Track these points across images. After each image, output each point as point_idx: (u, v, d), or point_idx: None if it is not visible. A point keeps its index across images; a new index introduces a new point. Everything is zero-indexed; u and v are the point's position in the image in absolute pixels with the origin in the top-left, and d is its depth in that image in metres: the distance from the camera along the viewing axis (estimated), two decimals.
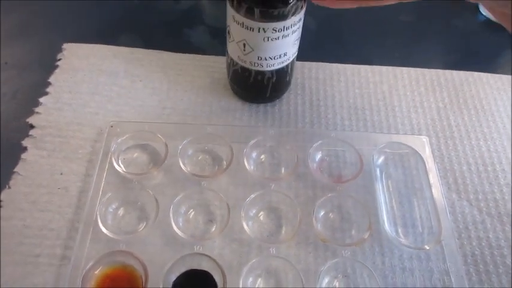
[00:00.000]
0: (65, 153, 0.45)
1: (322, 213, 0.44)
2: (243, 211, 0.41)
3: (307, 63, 0.55)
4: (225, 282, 0.39)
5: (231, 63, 0.48)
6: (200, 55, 0.56)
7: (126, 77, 0.53)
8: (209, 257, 0.40)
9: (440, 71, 0.57)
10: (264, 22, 0.41)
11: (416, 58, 0.61)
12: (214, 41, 0.59)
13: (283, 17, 0.41)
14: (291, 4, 0.40)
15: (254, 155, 0.46)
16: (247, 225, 0.42)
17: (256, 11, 0.40)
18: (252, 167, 0.45)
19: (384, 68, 0.57)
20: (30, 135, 0.47)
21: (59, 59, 0.54)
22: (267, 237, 0.41)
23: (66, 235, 0.40)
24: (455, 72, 0.57)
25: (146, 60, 0.55)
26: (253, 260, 0.39)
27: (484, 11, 0.68)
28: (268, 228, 0.42)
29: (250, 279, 0.39)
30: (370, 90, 0.55)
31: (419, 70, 0.57)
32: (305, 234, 0.42)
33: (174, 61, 0.55)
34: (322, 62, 0.57)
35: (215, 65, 0.55)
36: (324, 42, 0.58)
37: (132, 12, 0.65)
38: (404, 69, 0.57)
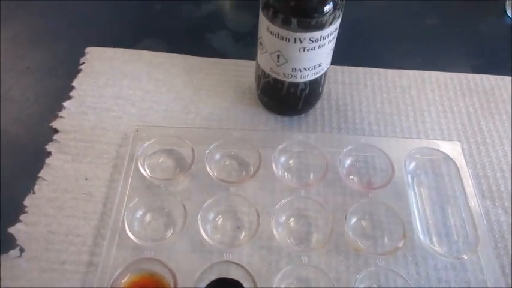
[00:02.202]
0: (90, 158, 0.45)
1: (353, 220, 0.43)
2: (272, 217, 0.40)
3: (332, 67, 0.52)
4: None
5: (262, 75, 0.47)
6: (224, 59, 0.55)
7: (149, 81, 0.53)
8: (239, 265, 0.39)
9: (469, 75, 0.56)
10: (301, 32, 0.40)
11: (444, 62, 0.60)
12: (237, 45, 0.58)
13: (320, 26, 0.40)
14: (329, 13, 0.39)
15: (282, 160, 0.45)
16: (277, 232, 0.40)
17: (294, 21, 0.39)
18: (280, 173, 0.44)
19: (412, 72, 0.56)
20: (54, 139, 0.46)
21: (82, 63, 0.54)
22: (296, 245, 0.40)
23: (92, 242, 0.39)
24: (484, 77, 0.55)
25: (169, 64, 0.54)
26: (285, 269, 0.38)
27: (511, 13, 0.66)
28: (298, 236, 0.41)
29: None
30: (397, 94, 0.54)
31: (447, 74, 0.56)
32: (336, 242, 0.40)
33: (198, 65, 0.54)
34: (348, 66, 0.56)
35: (240, 69, 0.54)
36: (349, 46, 0.56)
37: (155, 17, 0.64)
38: (433, 73, 0.56)
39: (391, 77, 0.55)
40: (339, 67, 0.56)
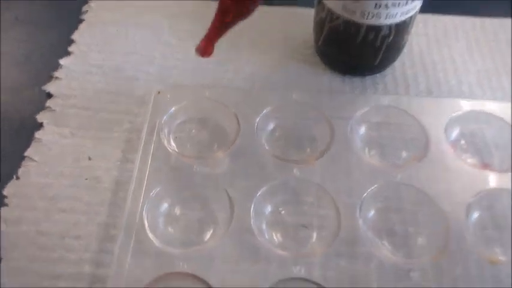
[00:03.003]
0: (94, 132, 0.37)
1: (476, 215, 0.31)
2: (358, 210, 0.31)
3: None
4: None
5: (328, 18, 0.37)
6: (268, 6, 0.44)
7: (172, 33, 0.44)
8: (310, 281, 0.29)
9: None
10: None
11: None
12: None
13: None
14: None
15: (362, 131, 0.36)
16: (366, 232, 0.30)
17: None
18: (361, 149, 0.35)
19: None
20: (48, 107, 0.38)
21: (85, 11, 0.45)
22: (398, 253, 0.30)
23: (98, 247, 0.31)
24: None
25: (197, 13, 0.44)
26: None
27: None
28: (397, 240, 0.31)
29: None
30: (502, 48, 0.43)
31: None
32: (456, 249, 0.30)
33: None
34: (433, 14, 0.46)
35: (289, 19, 0.45)
36: None
37: None
38: None
39: (490, 27, 0.45)
40: (421, 16, 0.44)
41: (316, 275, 0.29)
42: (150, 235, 0.30)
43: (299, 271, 0.28)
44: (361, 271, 0.29)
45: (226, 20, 0.28)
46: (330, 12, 0.36)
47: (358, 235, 0.30)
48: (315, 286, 0.28)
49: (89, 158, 0.35)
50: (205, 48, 0.29)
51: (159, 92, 0.37)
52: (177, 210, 0.32)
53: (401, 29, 0.37)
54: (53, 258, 0.30)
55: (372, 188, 0.32)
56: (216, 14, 0.29)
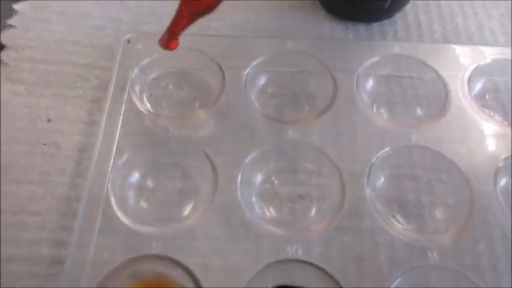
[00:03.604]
0: (55, 89, 0.33)
1: (504, 182, 0.28)
2: (365, 178, 0.27)
3: None
4: None
5: None
6: None
7: None
8: (311, 264, 0.25)
9: None
10: None
11: None
12: None
13: None
14: None
15: (369, 85, 0.32)
16: (373, 203, 0.26)
17: None
18: (368, 107, 0.31)
19: None
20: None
21: None
22: (414, 230, 0.27)
23: (58, 224, 0.28)
24: None
25: None
26: (398, 273, 0.24)
27: None
28: (413, 212, 0.27)
29: None
30: None
31: None
32: (480, 223, 0.26)
33: None
34: None
35: None
36: None
37: None
38: None
39: None
40: None
41: (315, 254, 0.25)
42: (118, 211, 0.26)
43: (295, 252, 0.25)
44: (369, 249, 0.26)
45: (191, 10, 0.26)
46: None
47: (365, 207, 0.27)
48: (314, 269, 0.25)
49: (48, 120, 0.32)
50: (168, 41, 0.27)
51: (128, 41, 0.33)
52: (151, 182, 0.29)
53: None
54: (4, 239, 0.27)
55: (382, 152, 0.28)
56: (180, 5, 0.26)
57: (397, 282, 0.23)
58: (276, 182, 0.28)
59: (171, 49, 0.27)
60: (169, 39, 0.27)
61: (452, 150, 0.28)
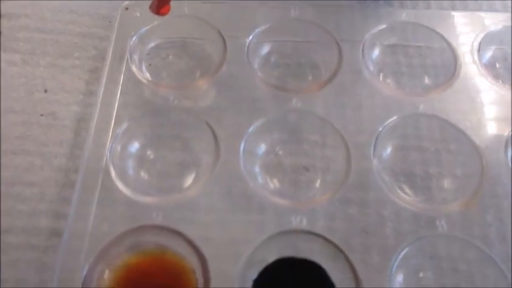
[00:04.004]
0: (51, 59, 0.33)
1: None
2: (372, 149, 0.26)
3: None
4: (359, 283, 0.22)
5: None
6: None
7: None
8: (315, 234, 0.24)
9: None
10: None
11: None
12: None
13: None
14: None
15: (375, 55, 0.31)
16: (379, 174, 0.26)
17: None
18: (374, 76, 0.30)
19: None
20: None
21: None
22: (422, 201, 0.26)
23: (56, 195, 0.27)
24: None
25: None
26: (404, 243, 0.23)
27: None
28: (422, 183, 0.27)
29: (401, 276, 0.23)
30: None
31: None
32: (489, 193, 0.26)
33: None
34: None
35: None
36: None
37: None
38: None
39: None
40: None
41: (320, 226, 0.25)
42: (118, 181, 0.26)
43: (299, 222, 0.24)
44: (375, 220, 0.25)
45: None
46: None
47: (371, 178, 0.26)
48: (319, 239, 0.24)
49: (45, 91, 0.31)
50: (158, 7, 0.26)
51: (126, 8, 0.33)
52: (151, 153, 0.28)
53: None
54: (1, 210, 0.26)
55: (388, 121, 0.28)
56: None
57: (404, 252, 0.23)
58: (280, 153, 0.28)
59: (162, 15, 0.26)
60: (160, 4, 0.26)
61: (462, 119, 0.28)
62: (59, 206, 0.27)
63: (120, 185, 0.25)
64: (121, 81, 0.30)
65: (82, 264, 0.24)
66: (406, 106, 0.28)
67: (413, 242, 0.23)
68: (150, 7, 0.26)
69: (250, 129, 0.27)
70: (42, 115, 0.30)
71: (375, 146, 0.26)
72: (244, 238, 0.24)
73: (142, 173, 0.27)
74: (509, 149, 0.26)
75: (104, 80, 0.30)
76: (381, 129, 0.27)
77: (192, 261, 0.24)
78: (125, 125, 0.28)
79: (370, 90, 0.29)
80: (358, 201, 0.26)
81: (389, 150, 0.27)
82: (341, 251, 0.23)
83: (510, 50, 0.31)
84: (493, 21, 0.32)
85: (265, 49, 0.31)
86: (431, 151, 0.28)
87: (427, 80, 0.30)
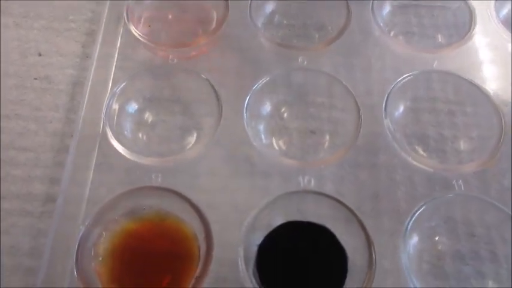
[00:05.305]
0: (45, 22, 0.31)
1: None
2: (383, 109, 0.25)
3: None
4: (371, 246, 0.21)
5: None
6: None
7: None
8: (324, 195, 0.22)
9: None
10: None
11: None
12: None
13: None
14: None
15: (386, 12, 0.29)
16: (393, 135, 0.24)
17: None
18: (385, 34, 0.28)
19: None
20: None
21: None
22: (440, 162, 0.24)
23: (52, 159, 0.26)
24: None
25: None
26: (421, 203, 0.22)
27: None
28: (436, 145, 0.25)
29: (415, 239, 0.22)
30: None
31: None
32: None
33: None
34: None
35: None
36: None
37: None
38: None
39: None
40: None
41: (328, 189, 0.23)
42: (115, 142, 0.24)
43: (307, 183, 0.22)
44: (386, 184, 0.24)
45: None
46: None
47: (382, 140, 0.24)
48: (329, 200, 0.22)
49: (39, 54, 0.30)
50: None
51: None
52: (150, 115, 0.27)
53: None
54: None
55: (400, 79, 0.26)
56: None
57: (418, 213, 0.21)
58: (285, 115, 0.26)
59: None
60: None
61: (478, 77, 0.26)
62: (54, 171, 0.25)
63: (117, 146, 0.24)
64: (118, 43, 0.28)
65: (78, 230, 0.22)
66: (418, 62, 0.26)
67: (427, 202, 0.21)
68: None
69: (254, 88, 0.25)
70: (36, 79, 0.28)
71: (385, 106, 0.25)
72: (249, 203, 0.23)
73: (140, 135, 0.26)
74: None
75: (99, 41, 0.28)
76: (391, 87, 0.25)
77: (194, 227, 0.22)
78: (122, 84, 0.26)
79: (380, 48, 0.27)
80: (368, 165, 0.24)
81: (401, 109, 0.25)
82: (352, 213, 0.22)
83: None
84: None
85: (269, 7, 0.30)
86: (447, 111, 0.26)
87: (440, 38, 0.28)
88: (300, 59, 0.26)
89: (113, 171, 0.24)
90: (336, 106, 0.26)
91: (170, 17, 0.30)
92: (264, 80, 0.25)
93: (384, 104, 0.25)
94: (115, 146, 0.24)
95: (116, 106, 0.25)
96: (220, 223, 0.22)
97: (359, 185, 0.24)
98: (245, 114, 0.24)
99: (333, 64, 0.27)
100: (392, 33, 0.28)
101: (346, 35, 0.27)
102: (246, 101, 0.25)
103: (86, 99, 0.26)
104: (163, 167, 0.23)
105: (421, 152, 0.24)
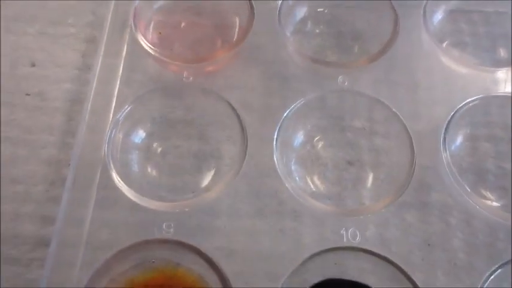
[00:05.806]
0: (40, 26, 0.30)
1: None
2: (441, 139, 0.22)
3: None
4: None
5: None
6: None
7: None
8: (369, 252, 0.20)
9: None
10: None
11: None
12: None
13: None
14: None
15: (439, 16, 0.26)
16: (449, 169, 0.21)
17: None
18: (437, 45, 0.25)
19: None
20: None
21: None
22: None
23: (45, 193, 0.24)
24: None
25: None
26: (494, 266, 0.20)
27: None
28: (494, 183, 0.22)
29: None
30: None
31: None
32: None
33: None
34: None
35: None
36: None
37: None
38: None
39: None
40: None
41: (369, 234, 0.20)
42: (118, 181, 0.21)
43: (346, 231, 0.20)
44: (437, 229, 0.21)
45: None
46: None
47: (438, 176, 0.21)
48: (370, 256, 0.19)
49: (32, 65, 0.28)
50: None
51: None
52: (160, 142, 0.25)
53: None
54: None
55: (462, 105, 0.23)
56: None
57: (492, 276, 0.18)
58: (322, 144, 0.23)
59: None
60: None
61: None
62: (47, 207, 0.23)
63: (121, 185, 0.21)
64: (124, 53, 0.26)
65: (76, 280, 0.20)
66: (478, 81, 0.23)
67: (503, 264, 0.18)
68: None
69: (285, 115, 0.22)
70: (28, 94, 0.27)
71: (444, 136, 0.21)
72: (276, 251, 0.20)
73: (149, 169, 0.23)
74: None
75: (101, 52, 0.26)
76: (452, 113, 0.22)
77: (211, 281, 0.20)
78: (127, 108, 0.23)
79: (432, 63, 0.24)
80: (418, 206, 0.21)
81: (458, 141, 0.22)
82: (401, 271, 0.19)
83: None
84: None
85: (300, 14, 0.27)
86: (506, 140, 0.23)
87: (502, 52, 0.25)
88: (339, 79, 0.23)
89: (116, 207, 0.21)
90: (379, 131, 0.23)
91: (184, 24, 0.27)
92: (294, 107, 0.22)
93: (442, 134, 0.21)
94: (120, 187, 0.21)
95: (119, 135, 0.22)
96: (242, 276, 0.19)
97: (406, 230, 0.20)
98: (274, 146, 0.21)
99: (375, 82, 0.24)
100: (445, 44, 0.25)
101: (392, 48, 0.24)
102: (277, 128, 0.22)
103: (86, 119, 0.24)
104: (175, 210, 0.21)
105: (483, 192, 0.21)
